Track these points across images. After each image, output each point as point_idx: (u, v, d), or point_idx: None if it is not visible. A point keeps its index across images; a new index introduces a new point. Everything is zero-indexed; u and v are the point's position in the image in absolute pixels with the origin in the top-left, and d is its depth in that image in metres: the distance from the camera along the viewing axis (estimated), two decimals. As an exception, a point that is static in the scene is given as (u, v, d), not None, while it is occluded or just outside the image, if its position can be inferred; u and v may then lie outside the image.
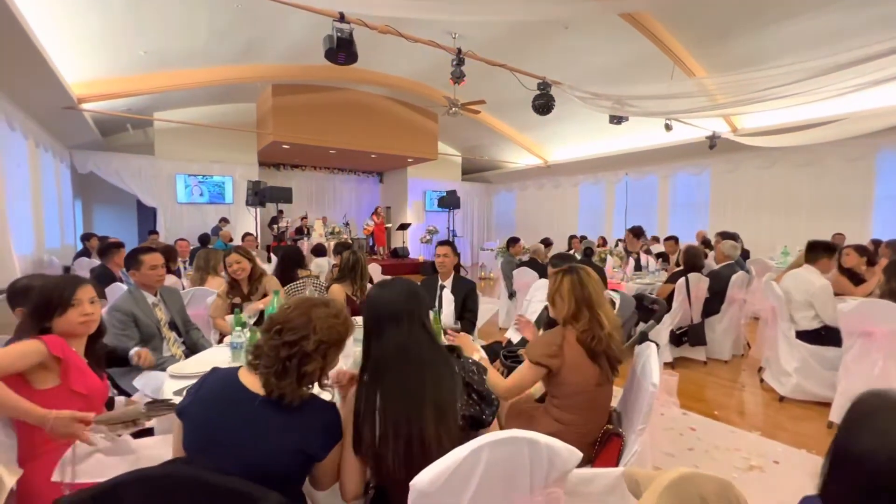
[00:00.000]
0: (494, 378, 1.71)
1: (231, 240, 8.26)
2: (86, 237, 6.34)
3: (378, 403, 1.12)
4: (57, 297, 1.51)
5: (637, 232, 5.88)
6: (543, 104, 5.21)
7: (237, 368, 1.10)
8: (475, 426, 1.16)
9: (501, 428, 1.85)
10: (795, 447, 2.61)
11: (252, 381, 1.06)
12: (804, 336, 3.12)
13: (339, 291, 2.83)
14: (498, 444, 0.90)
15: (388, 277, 1.34)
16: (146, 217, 9.92)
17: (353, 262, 2.86)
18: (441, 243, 3.21)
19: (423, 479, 0.84)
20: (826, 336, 3.06)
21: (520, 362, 1.87)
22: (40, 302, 1.50)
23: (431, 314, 2.27)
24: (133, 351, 2.15)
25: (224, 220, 9.48)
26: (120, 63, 6.41)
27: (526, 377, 1.63)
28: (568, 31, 6.68)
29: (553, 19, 5.95)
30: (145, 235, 8.67)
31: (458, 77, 4.57)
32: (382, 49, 7.33)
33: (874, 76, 3.75)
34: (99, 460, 1.41)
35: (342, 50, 3.71)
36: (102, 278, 3.50)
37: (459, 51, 4.53)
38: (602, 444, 1.54)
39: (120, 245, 3.75)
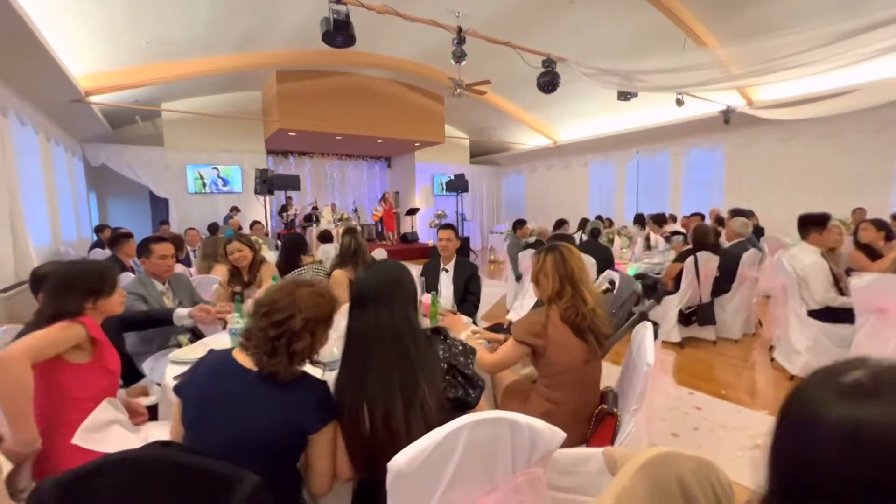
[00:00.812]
0: (480, 354, 1.72)
1: (240, 228, 8.36)
2: (99, 228, 6.47)
3: (346, 379, 1.15)
4: (111, 278, 1.60)
5: (660, 220, 5.85)
6: (548, 82, 5.08)
7: (232, 349, 1.15)
8: (460, 407, 1.16)
9: (497, 408, 1.87)
10: (804, 426, 2.56)
11: (246, 359, 1.11)
12: (816, 314, 3.05)
13: (341, 276, 2.84)
14: (478, 424, 0.90)
15: (383, 259, 1.34)
16: (159, 208, 10.08)
17: (354, 247, 2.87)
18: (443, 227, 3.20)
19: (400, 460, 0.84)
20: (839, 313, 2.98)
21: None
22: (98, 283, 1.55)
23: (430, 297, 2.29)
24: (186, 310, 2.19)
25: (235, 209, 9.58)
26: (123, 54, 6.44)
27: (509, 354, 1.65)
28: (574, 5, 6.46)
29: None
30: (158, 226, 8.83)
31: (459, 56, 4.47)
32: (386, 31, 7.22)
33: (896, 40, 3.55)
34: (117, 432, 1.47)
35: (339, 32, 3.65)
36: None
37: (460, 29, 4.43)
38: (596, 425, 1.54)
39: (129, 235, 3.82)
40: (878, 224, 3.76)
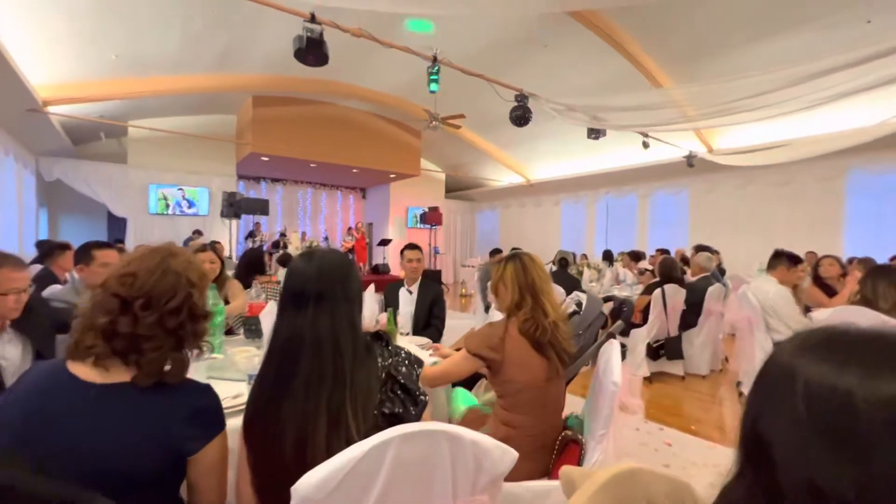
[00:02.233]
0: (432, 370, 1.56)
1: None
2: (41, 244, 5.99)
3: (261, 394, 0.95)
4: None
5: (636, 256, 6.02)
6: (520, 116, 5.19)
7: (64, 360, 0.88)
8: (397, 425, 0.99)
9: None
10: (775, 463, 2.46)
11: (87, 371, 0.84)
12: (781, 346, 3.03)
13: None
14: (409, 438, 0.73)
15: (325, 248, 1.15)
16: (117, 228, 9.56)
17: None
18: (411, 247, 3.04)
19: (307, 483, 0.67)
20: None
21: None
22: None
23: (386, 314, 2.12)
24: None
25: (197, 232, 9.19)
26: (89, 67, 6.24)
27: (457, 366, 1.49)
28: (547, 50, 6.78)
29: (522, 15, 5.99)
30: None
31: (433, 82, 4.51)
32: (364, 64, 7.34)
33: (843, 87, 3.80)
34: None
35: (311, 51, 3.62)
36: (44, 281, 3.24)
37: (435, 58, 4.49)
38: (560, 453, 1.37)
39: (66, 246, 3.50)
40: (840, 262, 3.89)
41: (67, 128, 7.71)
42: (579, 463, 1.32)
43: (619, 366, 1.32)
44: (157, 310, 0.86)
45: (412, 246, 3.05)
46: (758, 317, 3.11)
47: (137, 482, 0.81)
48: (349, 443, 0.88)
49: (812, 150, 6.57)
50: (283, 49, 6.25)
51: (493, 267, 1.61)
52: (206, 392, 0.92)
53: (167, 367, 0.86)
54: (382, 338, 1.08)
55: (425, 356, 2.00)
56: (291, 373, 0.94)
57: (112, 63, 6.30)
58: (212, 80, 7.44)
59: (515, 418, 1.40)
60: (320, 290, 0.99)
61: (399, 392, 1.00)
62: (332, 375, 0.93)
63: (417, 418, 0.99)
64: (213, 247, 7.00)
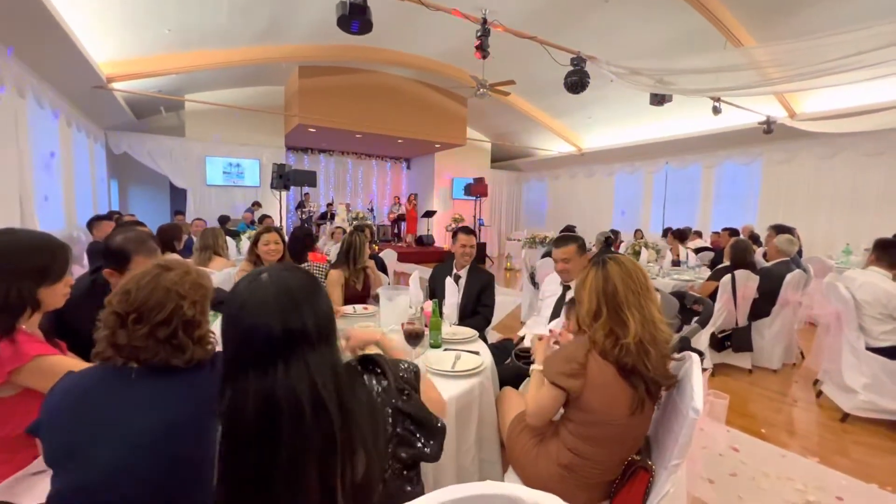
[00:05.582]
0: (529, 394, 1.42)
1: (253, 222, 8.27)
2: (108, 215, 6.40)
3: (233, 477, 0.74)
4: (62, 258, 1.21)
5: (682, 235, 5.51)
6: (577, 81, 4.78)
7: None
8: (415, 465, 0.85)
9: (501, 441, 1.56)
10: (863, 480, 2.19)
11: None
12: (880, 350, 2.65)
13: (336, 277, 2.60)
14: (461, 504, 0.61)
15: (278, 264, 0.95)
16: (179, 198, 10.10)
17: (347, 245, 2.62)
18: (466, 231, 2.87)
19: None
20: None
21: (532, 363, 1.58)
22: (47, 262, 1.16)
23: (431, 304, 2.01)
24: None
25: (257, 204, 9.51)
26: (145, 42, 6.41)
27: (546, 400, 1.31)
28: (607, 6, 6.15)
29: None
30: (173, 216, 8.83)
31: (482, 49, 4.20)
32: (410, 29, 7.04)
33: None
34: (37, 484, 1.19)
35: (355, 17, 3.44)
36: (95, 254, 3.43)
37: (485, 20, 4.17)
38: (624, 479, 1.23)
39: (101, 217, 3.68)
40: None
41: (130, 102, 8.08)
42: (647, 493, 1.17)
43: (700, 388, 1.14)
44: (148, 322, 0.89)
45: (467, 230, 2.89)
46: (850, 313, 2.73)
47: (181, 467, 0.82)
48: None
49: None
50: (327, 17, 6.08)
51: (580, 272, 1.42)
52: None
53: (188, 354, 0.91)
54: (374, 361, 0.89)
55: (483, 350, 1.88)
56: (272, 451, 0.71)
57: (166, 38, 6.43)
58: (259, 52, 7.46)
59: (585, 448, 1.25)
60: (289, 332, 0.73)
61: (412, 427, 0.85)
62: (320, 438, 0.72)
63: (439, 449, 0.87)
64: (260, 223, 7.23)
